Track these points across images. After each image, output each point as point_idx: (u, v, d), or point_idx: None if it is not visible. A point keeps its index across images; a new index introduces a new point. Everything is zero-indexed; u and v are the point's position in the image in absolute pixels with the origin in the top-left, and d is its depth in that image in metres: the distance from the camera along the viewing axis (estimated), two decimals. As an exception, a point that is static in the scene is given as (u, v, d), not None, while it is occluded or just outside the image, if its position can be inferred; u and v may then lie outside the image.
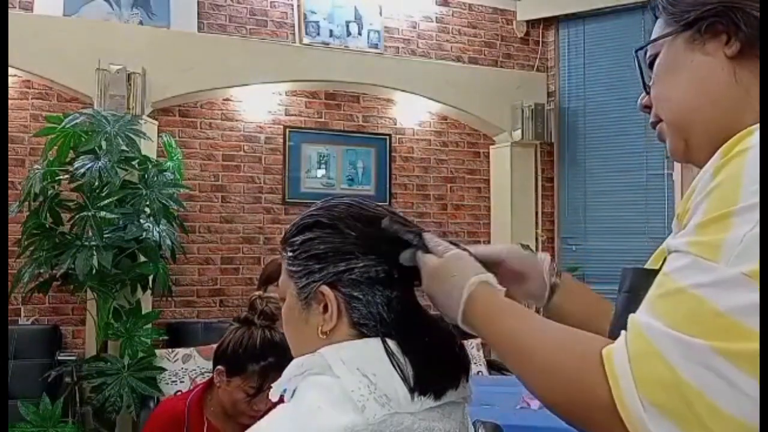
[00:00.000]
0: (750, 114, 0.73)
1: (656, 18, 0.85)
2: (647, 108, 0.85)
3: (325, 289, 0.79)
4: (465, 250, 0.83)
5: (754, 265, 0.55)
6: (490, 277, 0.79)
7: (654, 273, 0.74)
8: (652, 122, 0.85)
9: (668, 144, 0.83)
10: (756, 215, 0.57)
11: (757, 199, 0.57)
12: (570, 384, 0.63)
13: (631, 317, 0.62)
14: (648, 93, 0.85)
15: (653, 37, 0.83)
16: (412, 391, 0.74)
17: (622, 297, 0.81)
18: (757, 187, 0.58)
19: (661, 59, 0.81)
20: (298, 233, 0.84)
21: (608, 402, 0.58)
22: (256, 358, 1.68)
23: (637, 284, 0.76)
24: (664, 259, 0.70)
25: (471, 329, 0.77)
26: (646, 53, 0.84)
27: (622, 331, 0.61)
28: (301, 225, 0.84)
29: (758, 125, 0.65)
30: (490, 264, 0.85)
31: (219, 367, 1.74)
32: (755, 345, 0.53)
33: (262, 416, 0.79)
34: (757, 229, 0.56)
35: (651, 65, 0.84)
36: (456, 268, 0.79)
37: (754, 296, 0.54)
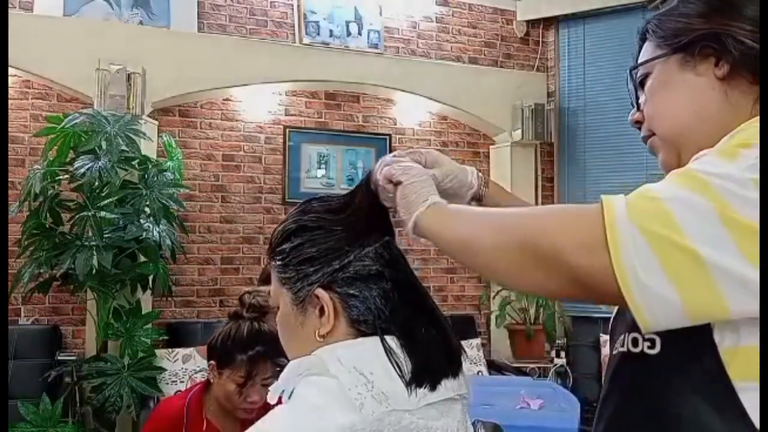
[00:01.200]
0: None
1: (643, 40, 0.89)
2: (638, 123, 0.91)
3: (320, 291, 0.79)
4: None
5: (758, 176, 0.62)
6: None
7: None
8: (644, 136, 0.90)
9: (661, 157, 0.88)
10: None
11: None
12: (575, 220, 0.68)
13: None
14: (639, 109, 0.90)
15: (643, 59, 0.88)
16: (408, 384, 0.75)
17: None
18: None
19: (655, 78, 0.86)
20: (285, 240, 0.84)
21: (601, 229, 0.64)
22: (244, 348, 1.70)
23: None
24: None
25: (424, 233, 0.80)
26: (637, 72, 0.89)
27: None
28: (285, 232, 0.84)
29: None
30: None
31: (211, 362, 1.78)
32: (754, 224, 0.60)
33: (259, 413, 0.79)
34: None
35: (642, 84, 0.89)
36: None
37: (755, 195, 0.61)
